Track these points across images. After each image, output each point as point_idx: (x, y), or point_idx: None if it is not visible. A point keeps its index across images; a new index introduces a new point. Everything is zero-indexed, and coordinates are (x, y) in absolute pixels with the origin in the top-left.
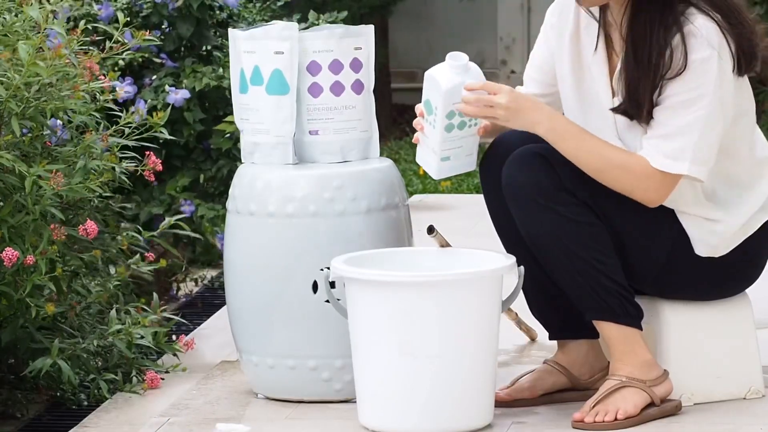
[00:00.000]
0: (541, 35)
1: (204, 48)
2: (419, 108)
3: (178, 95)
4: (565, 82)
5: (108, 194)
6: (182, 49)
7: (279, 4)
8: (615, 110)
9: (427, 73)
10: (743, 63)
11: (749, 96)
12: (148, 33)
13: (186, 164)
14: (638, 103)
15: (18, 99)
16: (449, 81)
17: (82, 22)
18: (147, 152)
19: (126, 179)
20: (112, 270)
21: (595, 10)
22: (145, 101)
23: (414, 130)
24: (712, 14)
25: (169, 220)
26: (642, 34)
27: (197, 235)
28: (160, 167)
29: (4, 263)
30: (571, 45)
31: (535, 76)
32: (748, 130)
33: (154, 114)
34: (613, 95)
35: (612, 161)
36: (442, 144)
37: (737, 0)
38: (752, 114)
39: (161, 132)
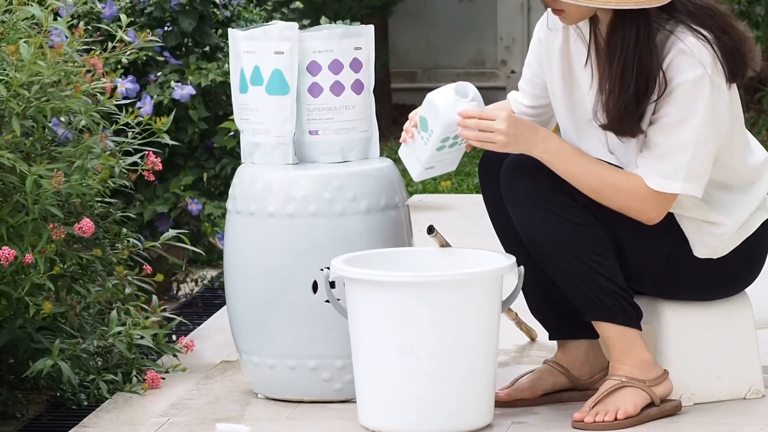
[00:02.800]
0: (531, 49)
1: (207, 47)
2: (413, 117)
3: (184, 91)
4: (556, 95)
5: (108, 199)
6: (184, 47)
7: (291, 6)
8: (603, 127)
9: (429, 96)
10: (734, 75)
11: (738, 104)
12: (150, 34)
13: (189, 162)
14: (620, 120)
15: (19, 98)
16: (451, 115)
17: (82, 23)
18: (147, 152)
19: (127, 180)
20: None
21: (585, 25)
22: (151, 97)
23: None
24: (702, 31)
25: (171, 233)
26: (618, 51)
27: (197, 249)
28: (159, 167)
29: (1, 262)
30: (561, 59)
31: (527, 88)
32: (738, 138)
33: (158, 119)
34: (601, 111)
35: (607, 181)
36: (430, 158)
37: (724, 11)
38: (741, 121)
39: (164, 137)
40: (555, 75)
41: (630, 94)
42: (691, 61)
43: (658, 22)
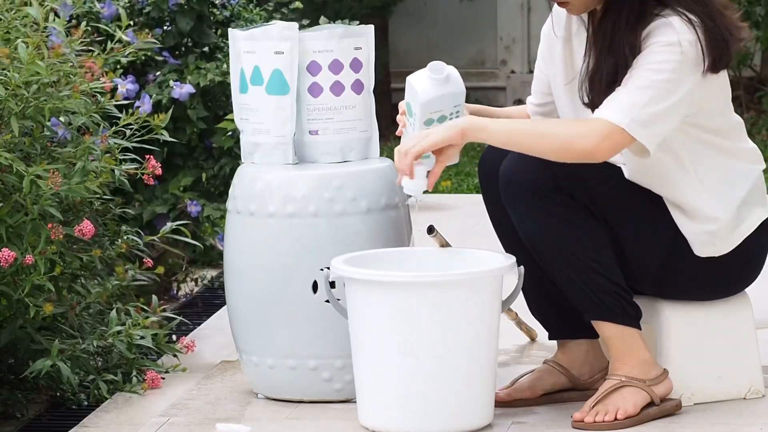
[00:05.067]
0: (540, 47)
1: (205, 46)
2: (402, 106)
3: (183, 90)
4: (558, 88)
5: (108, 197)
6: (182, 47)
7: (291, 7)
8: (586, 105)
9: (408, 79)
10: (716, 61)
11: (725, 93)
12: (150, 36)
13: (188, 163)
14: (603, 96)
15: (17, 98)
16: (427, 94)
17: (83, 24)
18: (147, 156)
19: (126, 182)
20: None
21: (586, 17)
22: (150, 96)
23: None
24: (687, 15)
25: (170, 225)
26: (608, 32)
27: (197, 243)
28: (159, 171)
29: (1, 263)
30: (563, 52)
31: (536, 86)
32: (729, 120)
33: (156, 116)
34: (584, 90)
35: (550, 124)
36: None
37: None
38: (729, 110)
39: (162, 134)
40: (558, 67)
41: (611, 71)
42: (669, 30)
43: (650, 8)
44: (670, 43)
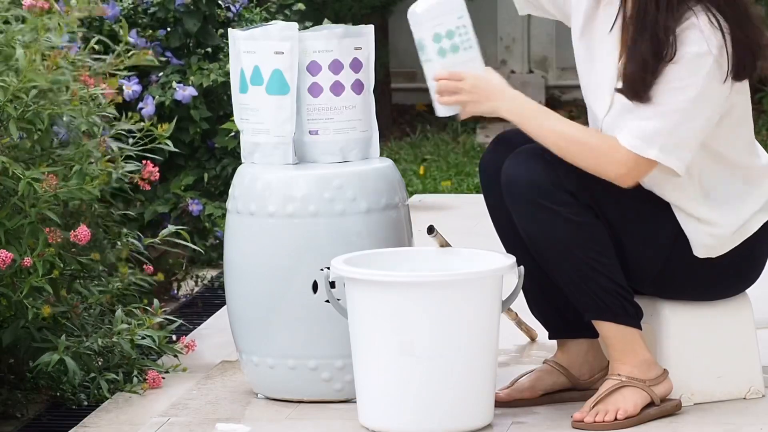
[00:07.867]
0: None
1: (209, 47)
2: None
3: (185, 92)
4: (574, 37)
5: (108, 200)
6: (186, 48)
7: (294, 8)
8: (618, 90)
9: (409, 11)
10: (741, 69)
11: (746, 102)
12: (150, 51)
13: (190, 163)
14: (633, 80)
15: (17, 102)
16: (423, 3)
17: (93, 40)
18: (144, 161)
19: (127, 184)
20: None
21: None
22: (153, 97)
23: (414, 131)
24: (719, 18)
25: (170, 228)
26: (646, 17)
27: (197, 248)
28: (156, 176)
29: None
30: (585, 21)
31: None
32: (744, 136)
33: (159, 126)
34: (619, 77)
35: (577, 135)
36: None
37: (746, 5)
38: (748, 120)
39: (166, 144)
40: (575, 34)
41: (646, 56)
42: (699, 36)
43: None
44: (699, 54)
